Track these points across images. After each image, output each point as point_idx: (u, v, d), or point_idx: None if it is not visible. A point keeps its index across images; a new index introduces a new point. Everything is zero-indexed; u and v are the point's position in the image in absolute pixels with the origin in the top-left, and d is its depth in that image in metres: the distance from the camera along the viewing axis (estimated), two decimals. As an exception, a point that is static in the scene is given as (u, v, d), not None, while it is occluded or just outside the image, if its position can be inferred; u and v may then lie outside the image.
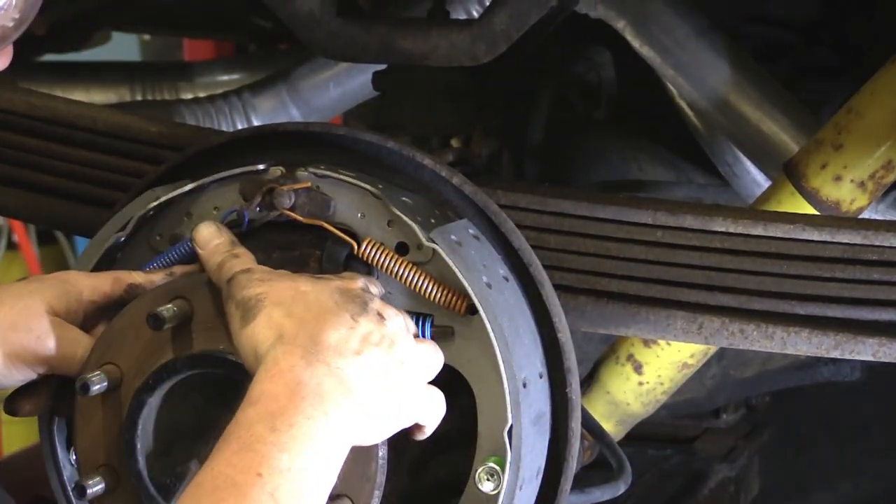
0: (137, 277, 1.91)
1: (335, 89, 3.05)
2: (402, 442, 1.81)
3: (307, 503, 1.57)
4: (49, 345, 1.85)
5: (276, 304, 1.72)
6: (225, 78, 3.43)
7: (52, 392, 1.91)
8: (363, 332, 1.72)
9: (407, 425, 1.77)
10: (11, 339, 1.83)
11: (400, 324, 1.79)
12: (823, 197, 2.31)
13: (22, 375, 1.86)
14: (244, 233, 1.92)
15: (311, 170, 1.92)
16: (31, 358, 1.84)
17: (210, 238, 1.86)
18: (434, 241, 1.86)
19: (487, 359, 1.84)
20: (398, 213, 1.87)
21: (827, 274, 2.02)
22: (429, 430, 1.81)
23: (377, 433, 1.72)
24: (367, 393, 1.68)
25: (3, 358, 1.83)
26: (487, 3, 2.38)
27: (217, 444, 1.59)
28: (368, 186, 1.89)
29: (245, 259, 1.82)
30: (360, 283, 1.81)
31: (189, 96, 3.33)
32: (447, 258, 1.85)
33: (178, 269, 1.92)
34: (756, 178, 2.78)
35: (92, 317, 1.90)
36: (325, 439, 1.61)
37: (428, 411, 1.79)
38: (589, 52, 3.13)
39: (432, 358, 1.80)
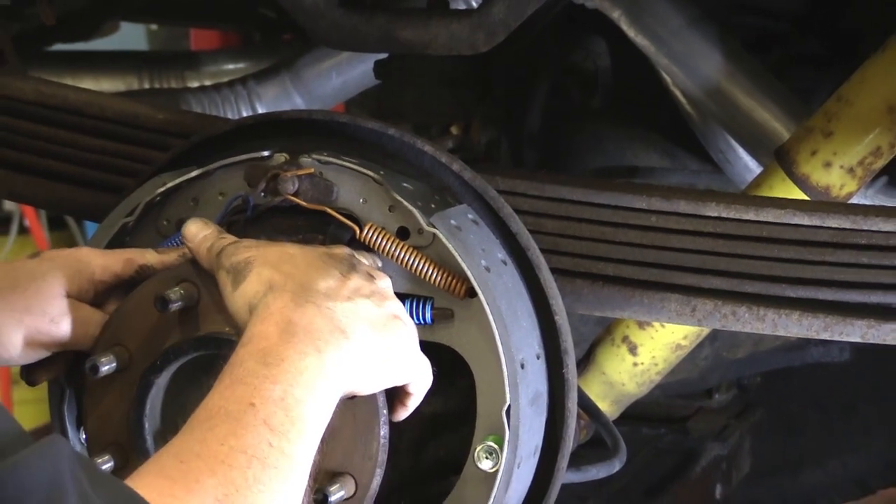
0: (150, 258, 1.91)
1: (337, 78, 3.05)
2: (402, 421, 1.81)
3: (302, 435, 1.55)
4: (63, 326, 1.85)
5: (264, 264, 1.72)
6: (230, 67, 3.42)
7: (68, 363, 1.91)
8: (353, 285, 1.73)
9: (399, 382, 1.76)
10: (27, 322, 1.83)
11: (388, 284, 1.80)
12: (814, 183, 2.31)
13: (37, 354, 1.86)
14: (249, 218, 1.93)
15: (315, 156, 1.92)
16: (45, 339, 1.85)
17: (198, 231, 1.85)
18: (434, 226, 1.86)
19: (486, 340, 1.84)
20: (399, 198, 1.87)
21: (817, 258, 2.02)
22: (415, 400, 1.80)
23: (371, 381, 1.72)
24: (361, 335, 1.68)
25: (20, 340, 1.83)
26: (486, -6, 2.38)
27: (214, 385, 1.59)
28: (370, 172, 1.89)
29: (232, 237, 1.82)
30: (346, 250, 1.82)
31: (195, 85, 3.32)
32: (447, 242, 1.85)
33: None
34: (748, 165, 2.78)
35: (102, 294, 1.90)
36: (317, 374, 1.61)
37: (419, 374, 1.78)
38: (585, 41, 3.12)
39: (414, 327, 1.80)
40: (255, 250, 1.76)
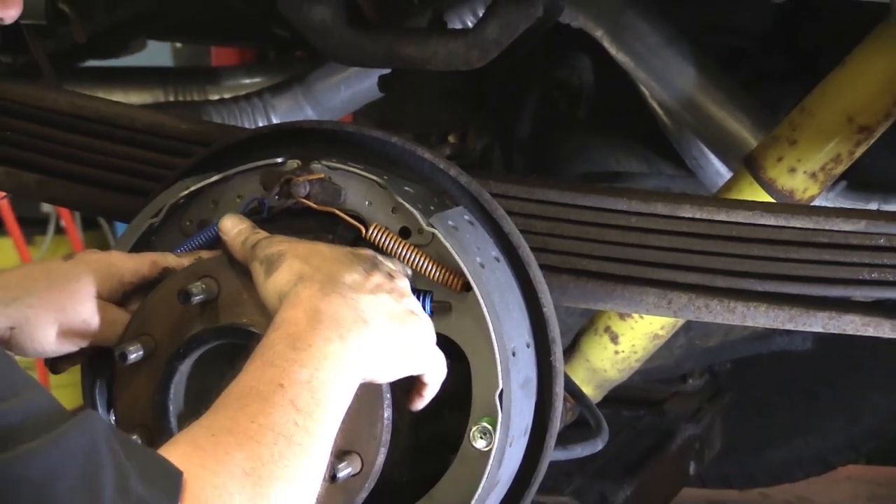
0: (171, 261, 1.91)
1: (345, 91, 3.03)
2: (403, 403, 1.81)
3: (325, 415, 1.55)
4: (93, 325, 1.86)
5: (295, 257, 1.72)
6: (247, 81, 3.41)
7: (89, 354, 1.91)
8: (375, 281, 1.73)
9: (414, 372, 1.76)
10: (61, 320, 1.84)
11: (407, 284, 1.80)
12: (779, 186, 2.30)
13: (66, 349, 1.87)
14: (264, 219, 1.92)
15: (324, 162, 1.91)
16: (76, 336, 1.86)
17: (233, 226, 1.86)
18: (433, 226, 1.85)
19: (481, 331, 1.84)
20: (401, 200, 1.87)
21: (782, 255, 2.02)
22: (431, 391, 1.79)
23: (388, 369, 1.71)
24: (381, 326, 1.68)
25: (53, 336, 1.84)
26: (481, 14, 2.37)
27: (244, 365, 1.59)
28: (375, 177, 1.89)
29: (265, 233, 1.83)
30: (370, 251, 1.82)
31: (216, 97, 3.31)
32: (445, 241, 1.85)
33: (205, 254, 1.92)
34: (719, 170, 2.77)
35: (130, 294, 1.91)
36: (340, 360, 1.60)
37: (434, 366, 1.78)
38: (571, 58, 3.12)
39: (431, 323, 1.80)
40: (288, 244, 1.76)
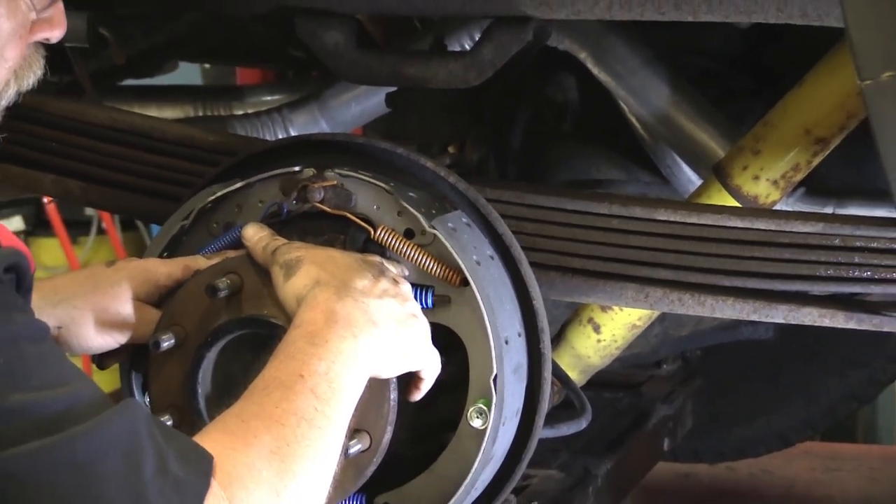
0: (202, 264, 1.91)
1: (356, 107, 3.02)
2: (404, 396, 1.81)
3: (340, 402, 1.56)
4: (132, 324, 1.87)
5: (312, 262, 1.73)
6: (268, 98, 3.40)
7: (131, 352, 1.92)
8: (382, 286, 1.73)
9: (413, 368, 1.76)
10: (103, 319, 1.85)
11: (409, 289, 1.80)
12: (744, 192, 2.30)
13: (108, 346, 1.88)
14: (283, 221, 1.92)
15: (337, 171, 1.91)
16: (117, 334, 1.87)
17: (255, 233, 1.86)
18: (435, 228, 1.85)
19: (477, 321, 1.83)
20: (406, 205, 1.87)
21: (747, 254, 2.01)
22: (427, 385, 1.79)
23: (392, 366, 1.71)
24: (387, 327, 1.68)
25: (97, 334, 1.86)
26: (477, 38, 2.37)
27: (269, 360, 1.59)
28: (382, 184, 1.89)
29: (284, 239, 1.83)
30: (377, 258, 1.82)
31: (240, 113, 3.30)
32: (445, 241, 1.84)
33: (231, 254, 1.92)
34: (691, 178, 2.77)
35: (165, 296, 1.91)
36: (353, 355, 1.61)
37: (430, 363, 1.78)
38: (558, 77, 3.11)
39: (428, 325, 1.79)
40: (305, 251, 1.76)
